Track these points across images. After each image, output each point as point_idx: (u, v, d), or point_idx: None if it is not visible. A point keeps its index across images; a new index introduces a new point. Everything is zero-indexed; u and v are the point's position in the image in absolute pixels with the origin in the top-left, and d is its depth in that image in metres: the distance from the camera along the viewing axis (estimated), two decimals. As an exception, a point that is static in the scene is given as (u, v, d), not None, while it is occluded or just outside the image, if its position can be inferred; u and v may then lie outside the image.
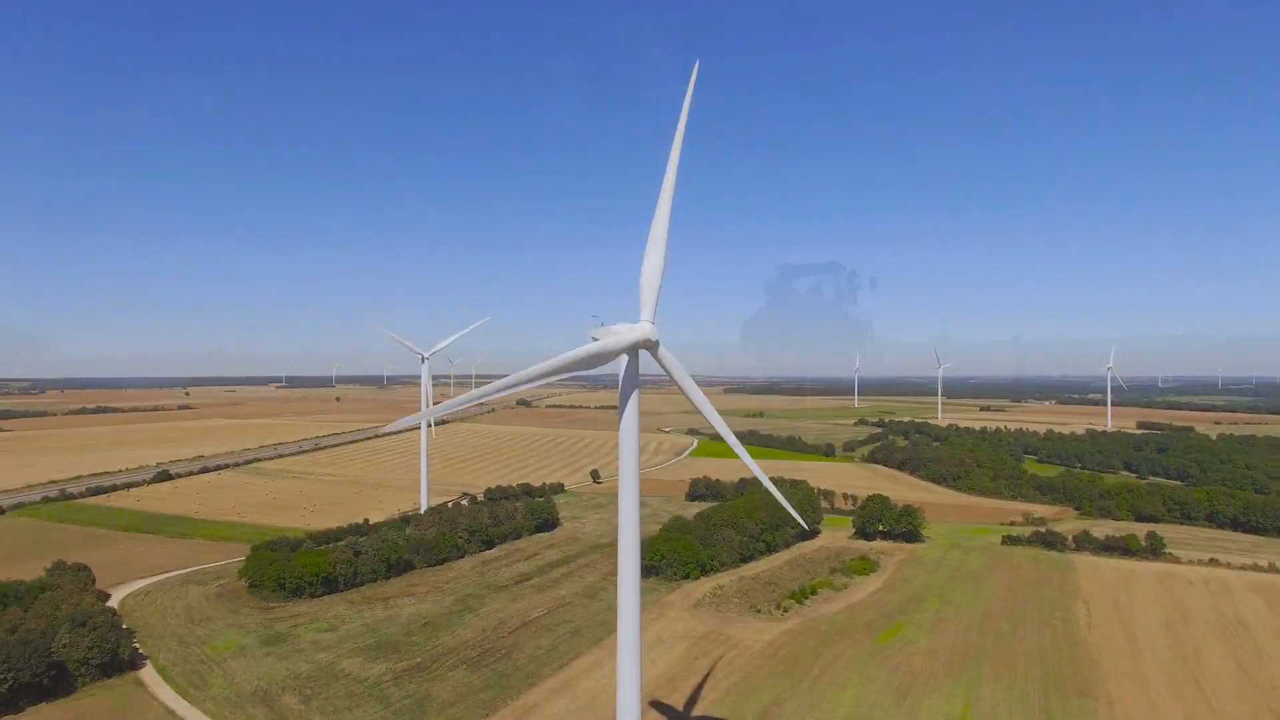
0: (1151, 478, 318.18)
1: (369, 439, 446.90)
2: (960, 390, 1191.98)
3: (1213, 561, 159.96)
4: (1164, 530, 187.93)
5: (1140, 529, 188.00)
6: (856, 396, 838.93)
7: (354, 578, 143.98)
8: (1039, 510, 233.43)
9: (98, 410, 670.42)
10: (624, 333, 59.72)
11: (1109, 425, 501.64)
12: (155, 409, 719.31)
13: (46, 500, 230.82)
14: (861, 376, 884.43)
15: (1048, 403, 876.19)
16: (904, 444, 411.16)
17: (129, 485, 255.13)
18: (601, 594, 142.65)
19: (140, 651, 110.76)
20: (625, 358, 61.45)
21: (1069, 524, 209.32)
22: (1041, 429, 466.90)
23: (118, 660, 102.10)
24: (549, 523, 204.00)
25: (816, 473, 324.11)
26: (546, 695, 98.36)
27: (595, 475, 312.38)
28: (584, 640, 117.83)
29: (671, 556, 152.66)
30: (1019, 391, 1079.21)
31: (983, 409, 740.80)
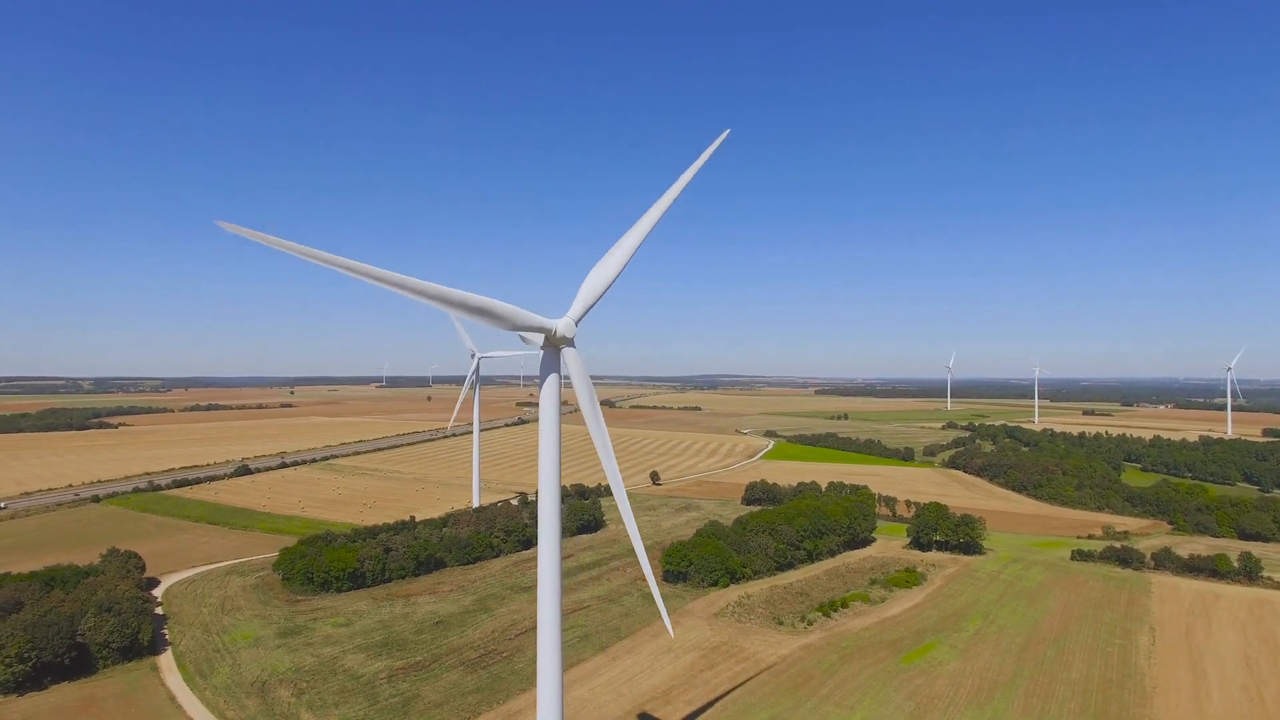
0: (1278, 491, 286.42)
1: (445, 438, 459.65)
2: (1068, 393, 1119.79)
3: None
4: (1270, 551, 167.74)
5: (1241, 548, 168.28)
6: (949, 399, 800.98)
7: (382, 574, 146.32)
8: (1126, 523, 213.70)
9: (209, 408, 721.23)
10: (540, 320, 57.33)
11: (1229, 432, 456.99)
12: (259, 406, 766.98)
13: (137, 491, 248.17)
14: (959, 379, 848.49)
15: (1163, 406, 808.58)
16: (989, 449, 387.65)
17: (211, 479, 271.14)
18: (623, 599, 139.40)
19: (166, 637, 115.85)
20: (542, 353, 59.20)
21: (1157, 539, 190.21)
22: (1148, 435, 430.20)
23: (137, 645, 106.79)
24: (592, 524, 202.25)
25: (888, 478, 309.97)
26: (534, 701, 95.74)
27: (655, 476, 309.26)
28: (590, 646, 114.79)
29: (700, 563, 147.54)
30: (1131, 395, 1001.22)
31: (1086, 413, 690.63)
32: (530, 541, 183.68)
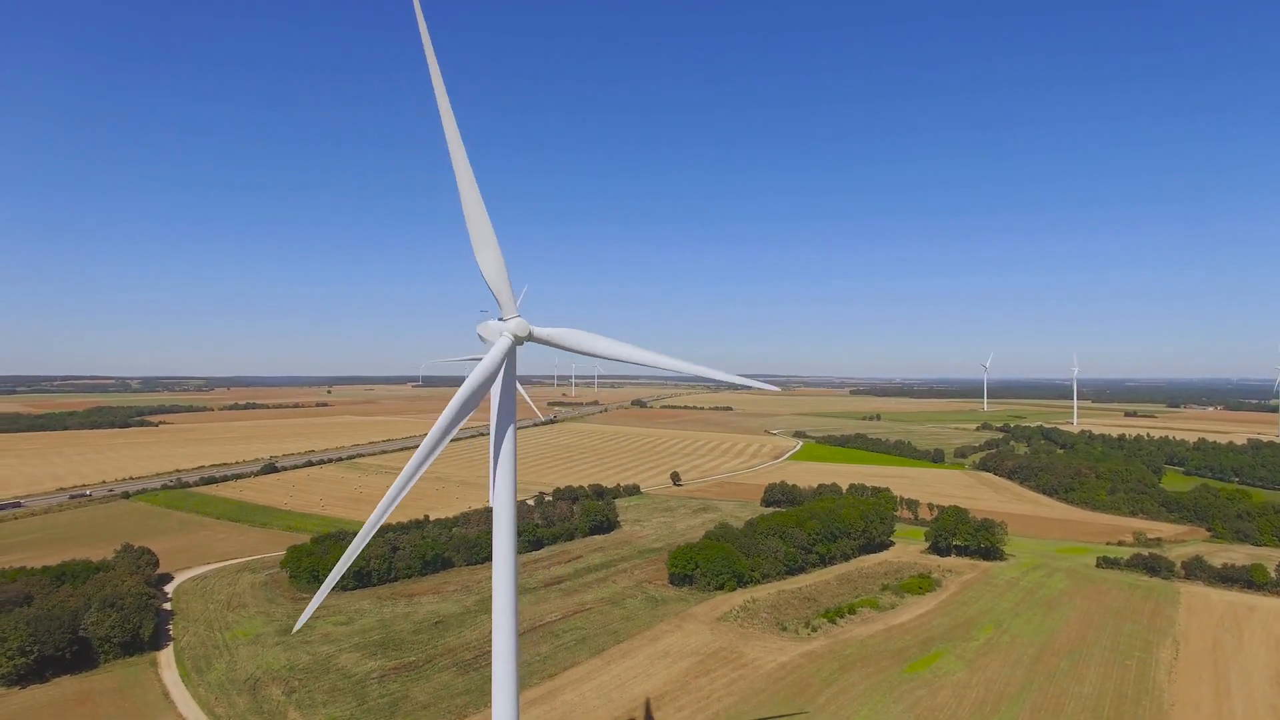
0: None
1: (472, 437, 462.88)
2: (1112, 393, 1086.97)
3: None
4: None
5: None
6: (986, 399, 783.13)
7: (388, 573, 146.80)
8: (1160, 529, 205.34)
9: (246, 406, 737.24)
10: (499, 335, 55.30)
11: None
12: (295, 405, 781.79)
13: (165, 488, 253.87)
14: (999, 379, 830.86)
15: (1212, 408, 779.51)
16: (1023, 451, 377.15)
17: (237, 476, 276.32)
18: (626, 601, 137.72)
19: (170, 633, 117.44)
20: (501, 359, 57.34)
21: (1191, 547, 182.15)
22: (1193, 437, 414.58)
23: (139, 640, 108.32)
24: (605, 525, 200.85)
25: (915, 480, 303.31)
26: (523, 705, 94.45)
27: (675, 478, 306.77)
28: (586, 649, 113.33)
29: (706, 566, 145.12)
30: (1179, 396, 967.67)
31: (1128, 414, 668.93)
32: (540, 542, 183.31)
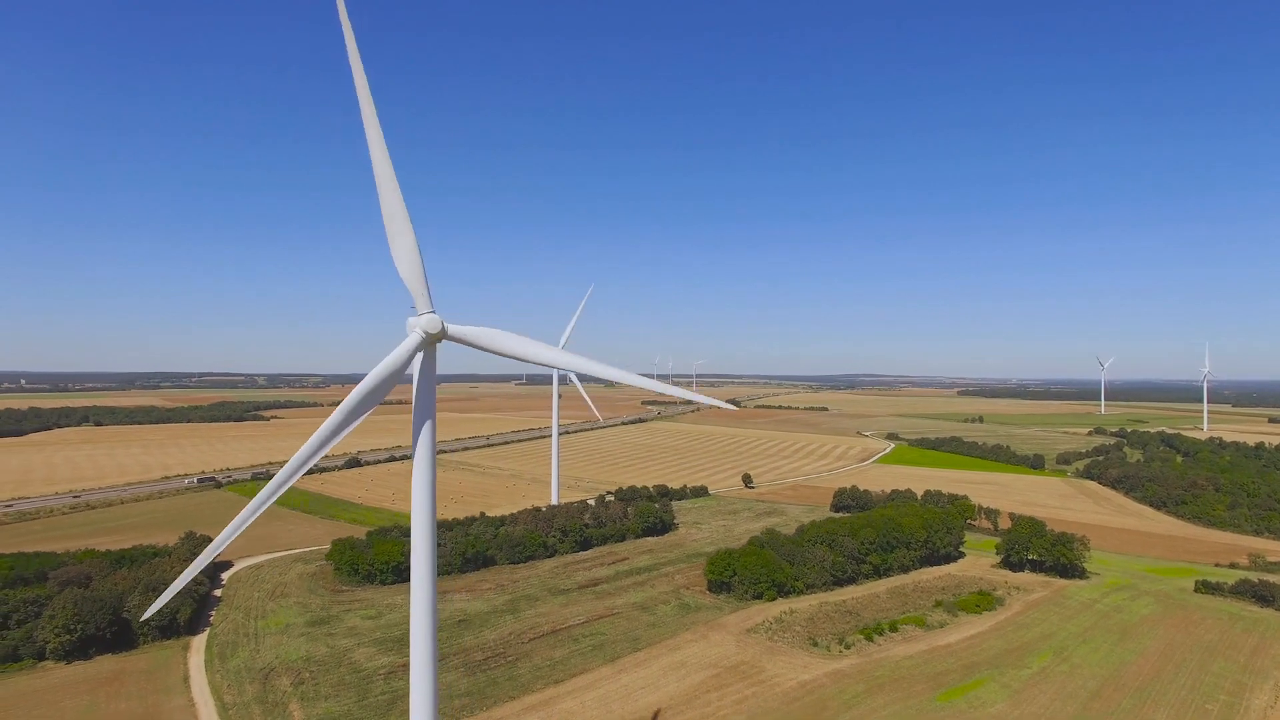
0: None
1: (563, 434, 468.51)
2: (1257, 397, 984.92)
3: None
4: None
5: None
6: (1103, 401, 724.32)
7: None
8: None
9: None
10: (414, 330, 52.87)
11: None
12: (400, 402, 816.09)
13: (254, 478, 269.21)
14: (1122, 380, 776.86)
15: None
16: (1136, 458, 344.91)
17: (322, 470, 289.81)
18: (658, 607, 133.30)
19: (211, 618, 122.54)
20: (419, 355, 54.87)
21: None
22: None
23: (175, 624, 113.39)
24: (658, 527, 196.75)
25: (1006, 488, 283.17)
26: (520, 710, 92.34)
27: (747, 479, 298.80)
28: (600, 656, 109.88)
29: (744, 574, 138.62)
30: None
31: (1272, 420, 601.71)
32: (589, 542, 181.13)
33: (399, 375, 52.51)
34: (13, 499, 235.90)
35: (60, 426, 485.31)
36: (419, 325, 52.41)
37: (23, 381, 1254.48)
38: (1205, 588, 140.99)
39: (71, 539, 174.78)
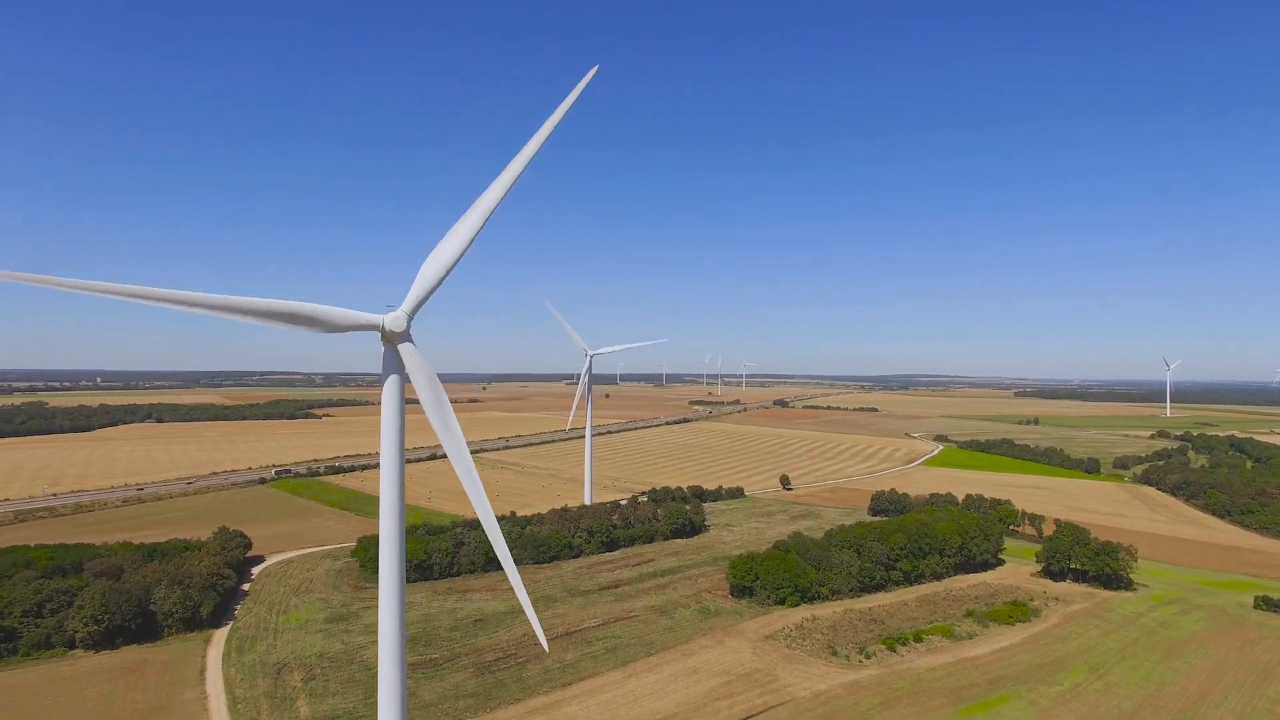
0: None
1: (599, 435, 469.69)
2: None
3: None
4: None
5: None
6: (1169, 404, 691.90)
7: (450, 568, 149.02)
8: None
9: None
10: (366, 317, 53.12)
11: None
12: (452, 401, 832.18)
13: (297, 476, 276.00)
14: (1192, 381, 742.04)
15: None
16: (1200, 464, 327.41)
17: (362, 467, 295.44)
18: (677, 611, 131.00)
19: (235, 612, 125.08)
20: (383, 348, 54.63)
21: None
22: None
23: (198, 617, 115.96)
24: (687, 528, 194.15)
25: (1056, 492, 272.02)
26: (523, 714, 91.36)
27: (785, 481, 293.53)
28: (612, 659, 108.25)
29: (767, 578, 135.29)
30: None
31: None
32: (615, 543, 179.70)
33: (310, 325, 52.48)
34: (72, 491, 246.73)
35: (125, 423, 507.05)
36: (385, 321, 52.57)
37: (99, 380, 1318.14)
38: (1266, 604, 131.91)
39: (117, 531, 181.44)
